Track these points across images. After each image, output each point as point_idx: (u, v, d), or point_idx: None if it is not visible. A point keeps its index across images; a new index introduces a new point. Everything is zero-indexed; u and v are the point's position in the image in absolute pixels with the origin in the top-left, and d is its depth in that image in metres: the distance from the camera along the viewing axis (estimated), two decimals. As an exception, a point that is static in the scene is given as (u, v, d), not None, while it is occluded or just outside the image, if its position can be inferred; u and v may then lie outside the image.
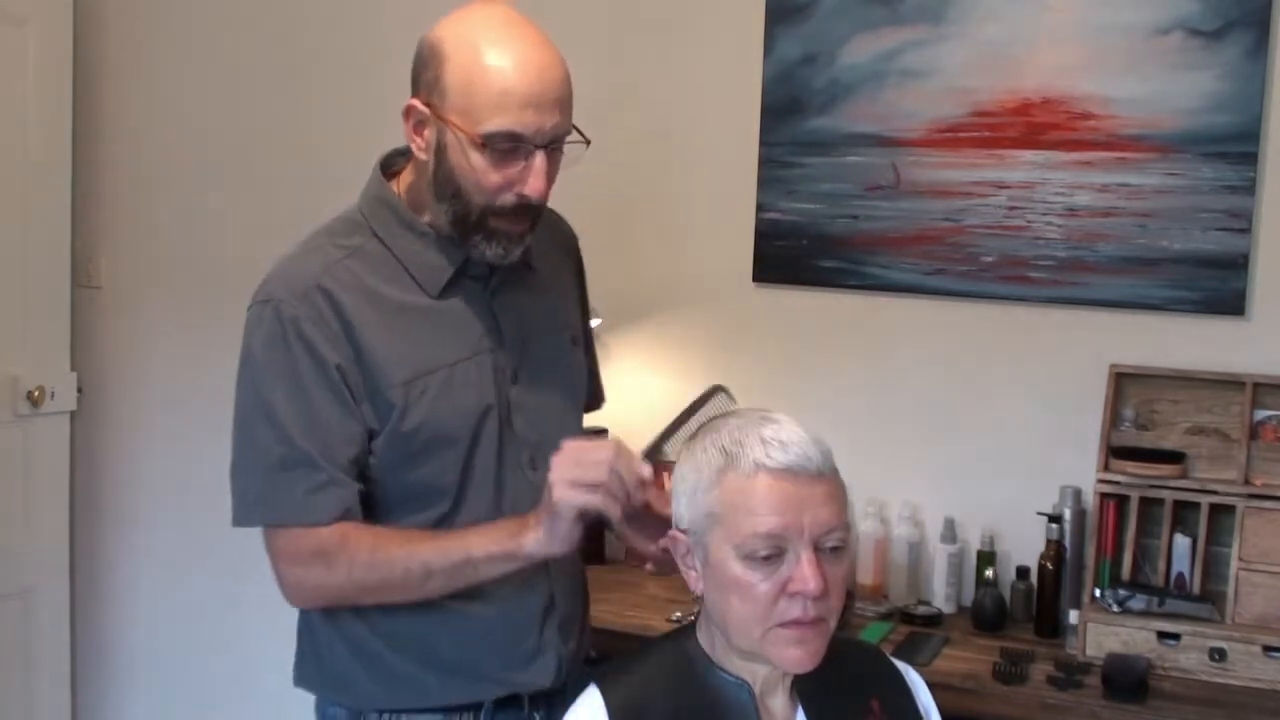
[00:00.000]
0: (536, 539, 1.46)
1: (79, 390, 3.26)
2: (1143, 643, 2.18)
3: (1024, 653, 2.24)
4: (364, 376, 1.53)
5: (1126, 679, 2.08)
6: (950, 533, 2.51)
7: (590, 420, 1.89)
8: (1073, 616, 2.26)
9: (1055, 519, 2.39)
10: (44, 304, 3.16)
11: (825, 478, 1.35)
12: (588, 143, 1.56)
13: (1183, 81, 2.34)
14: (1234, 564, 2.20)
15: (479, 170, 1.50)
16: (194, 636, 3.25)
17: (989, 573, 2.43)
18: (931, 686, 1.54)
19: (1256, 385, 2.30)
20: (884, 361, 2.61)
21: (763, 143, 2.65)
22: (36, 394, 3.12)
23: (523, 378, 1.64)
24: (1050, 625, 2.35)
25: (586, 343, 1.85)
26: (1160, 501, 2.29)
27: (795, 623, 1.32)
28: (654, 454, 1.49)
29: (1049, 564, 2.37)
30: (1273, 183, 2.32)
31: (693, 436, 1.43)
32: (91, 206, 3.27)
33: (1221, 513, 2.26)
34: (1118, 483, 2.30)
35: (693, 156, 2.74)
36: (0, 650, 3.10)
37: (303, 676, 1.70)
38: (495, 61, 1.47)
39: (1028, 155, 2.45)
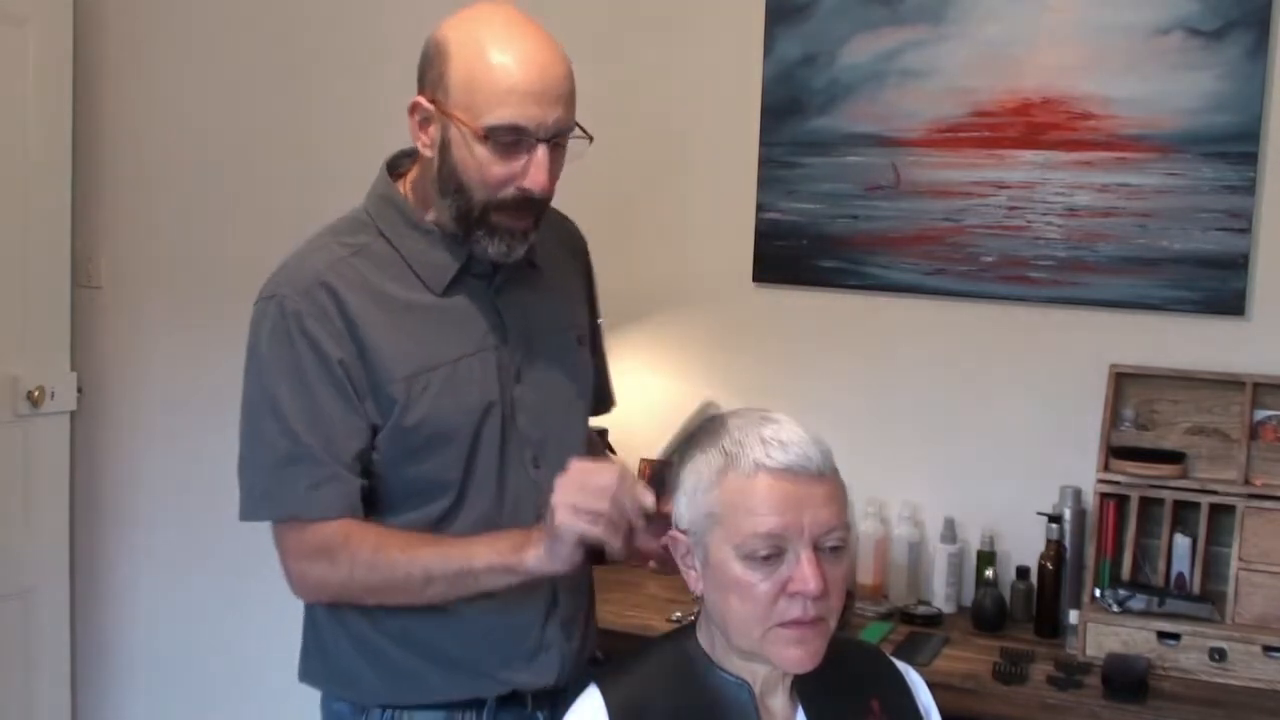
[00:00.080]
0: (538, 556, 1.46)
1: (79, 390, 3.26)
2: (1143, 643, 2.18)
3: (1024, 653, 2.24)
4: (367, 372, 1.54)
5: (1126, 679, 2.08)
6: (950, 533, 2.51)
7: (592, 422, 1.89)
8: (1073, 616, 2.26)
9: (1055, 519, 2.39)
10: (44, 304, 3.16)
11: (825, 478, 1.35)
12: (590, 139, 1.58)
13: (1183, 81, 2.34)
14: (1234, 564, 2.20)
15: (482, 164, 1.51)
16: (194, 636, 3.25)
17: (989, 573, 2.43)
18: (931, 686, 1.54)
19: (1256, 385, 2.30)
20: (884, 361, 2.61)
21: (763, 143, 2.64)
22: (36, 394, 3.12)
23: (526, 376, 1.64)
24: (1050, 625, 2.35)
25: (596, 345, 1.85)
26: (1160, 501, 2.29)
27: (795, 623, 1.32)
28: (657, 479, 1.47)
29: (1049, 564, 2.37)
30: (1273, 183, 2.32)
31: (693, 436, 1.43)
32: (91, 206, 3.27)
33: (1221, 513, 2.26)
34: (1118, 483, 2.30)
35: (693, 156, 2.74)
36: (0, 650, 3.10)
37: (307, 672, 1.71)
38: (498, 57, 1.49)
39: (1028, 155, 2.45)
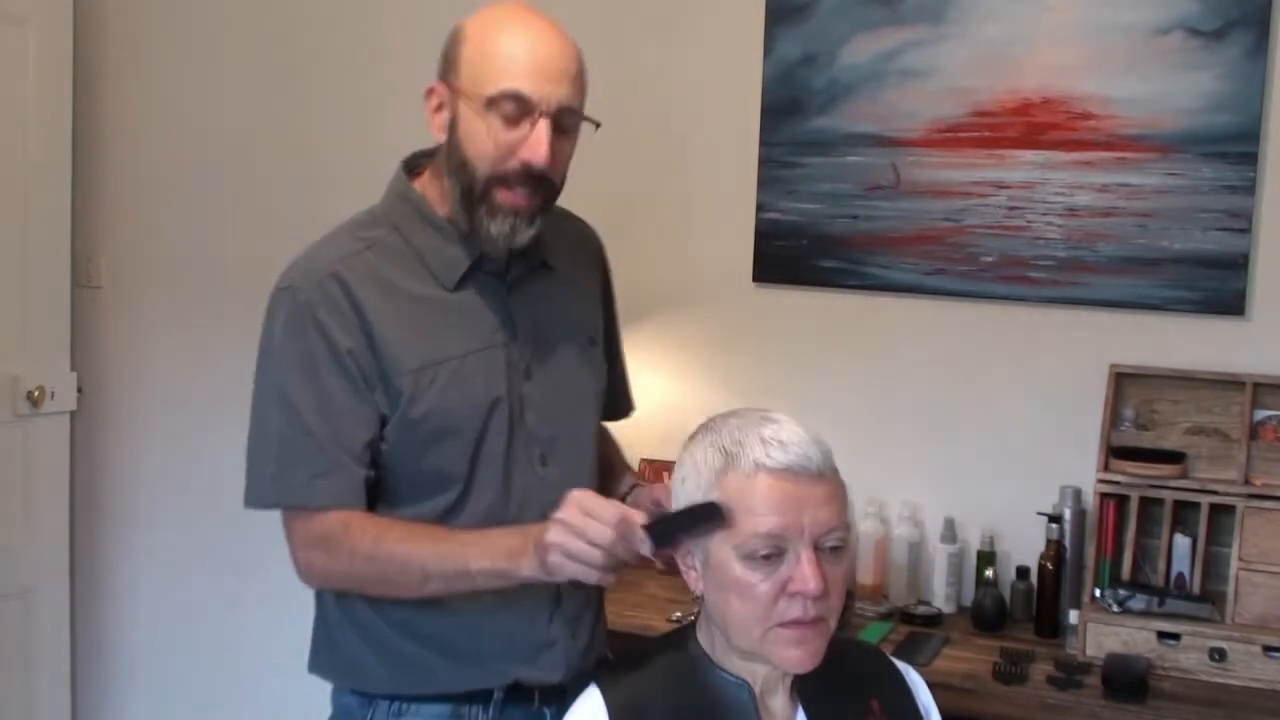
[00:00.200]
0: (532, 567, 1.46)
1: (79, 390, 3.26)
2: (1143, 643, 2.18)
3: (1024, 653, 2.24)
4: (376, 362, 1.56)
5: (1126, 679, 2.08)
6: (950, 533, 2.51)
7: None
8: (1073, 616, 2.26)
9: (1055, 519, 2.39)
10: (44, 304, 3.16)
11: (825, 477, 1.35)
12: (597, 125, 1.60)
13: (1183, 81, 2.34)
14: (1234, 564, 2.20)
15: (484, 135, 1.53)
16: (194, 636, 3.25)
17: (989, 573, 2.43)
18: (931, 686, 1.55)
19: (1256, 385, 2.30)
20: (884, 361, 2.61)
21: (763, 143, 2.65)
22: (36, 394, 3.12)
23: (536, 374, 1.65)
24: (1050, 625, 2.35)
25: (613, 349, 1.87)
26: (1160, 501, 2.29)
27: (795, 623, 1.32)
28: (657, 529, 1.42)
29: (1049, 564, 2.37)
30: (1273, 183, 2.32)
31: (692, 437, 1.43)
32: (91, 206, 3.27)
33: (1221, 513, 2.26)
34: (1118, 483, 2.30)
35: (693, 156, 2.74)
36: (0, 650, 3.10)
37: (316, 663, 1.72)
38: (508, 36, 1.54)
39: (1028, 155, 2.45)
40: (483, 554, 1.50)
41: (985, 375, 2.54)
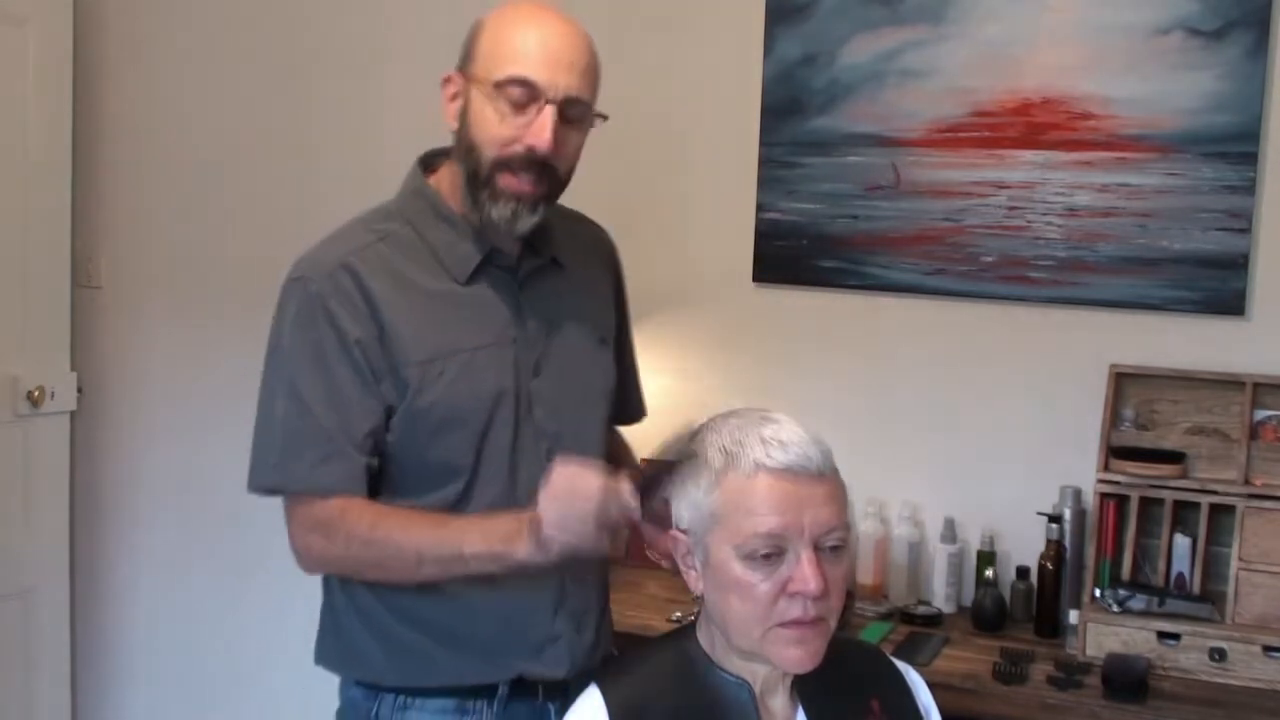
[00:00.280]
0: (527, 550, 1.48)
1: (79, 390, 3.26)
2: (1143, 643, 2.18)
3: (1024, 653, 2.24)
4: (385, 353, 1.57)
5: (1126, 679, 2.08)
6: (950, 533, 2.51)
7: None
8: (1073, 616, 2.26)
9: (1055, 519, 2.39)
10: (44, 304, 3.16)
11: (825, 477, 1.35)
12: (605, 118, 1.63)
13: (1183, 81, 2.34)
14: (1234, 564, 2.20)
15: (492, 119, 1.56)
16: (194, 636, 3.24)
17: (989, 573, 2.43)
18: (931, 686, 1.54)
19: (1256, 385, 2.30)
20: (884, 361, 2.61)
21: (763, 143, 2.65)
22: (36, 394, 3.11)
23: (545, 370, 1.67)
24: (1050, 625, 2.35)
25: (625, 353, 1.88)
26: (1160, 501, 2.29)
27: (795, 622, 1.32)
28: (648, 481, 1.46)
29: (1049, 564, 2.37)
30: (1273, 183, 2.32)
31: (692, 437, 1.43)
32: (91, 206, 3.27)
33: (1221, 513, 2.26)
34: (1118, 483, 2.30)
35: (693, 156, 2.74)
36: (0, 650, 3.09)
37: (322, 653, 1.74)
38: (523, 26, 1.58)
39: (1028, 155, 2.45)
40: (477, 537, 1.52)
41: (985, 375, 2.54)
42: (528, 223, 1.60)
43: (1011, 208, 2.47)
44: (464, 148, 1.60)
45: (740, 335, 2.72)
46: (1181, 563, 2.29)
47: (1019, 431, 2.51)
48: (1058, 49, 2.42)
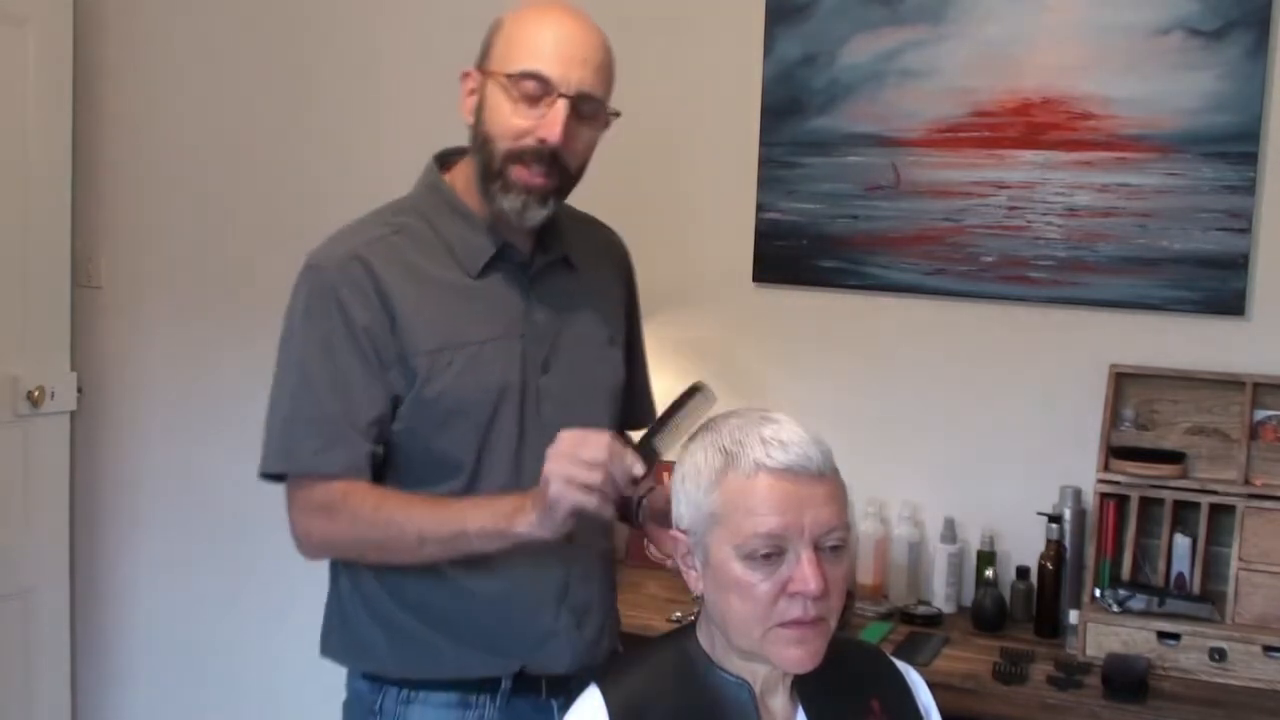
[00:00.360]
0: (529, 523, 1.50)
1: (79, 390, 3.26)
2: (1143, 643, 2.18)
3: (1024, 653, 2.24)
4: (395, 342, 1.60)
5: (1126, 679, 2.08)
6: (950, 533, 2.51)
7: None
8: (1073, 616, 2.26)
9: (1055, 519, 2.39)
10: (44, 304, 3.16)
11: (825, 477, 1.35)
12: (617, 114, 1.66)
13: (1183, 81, 2.34)
14: (1234, 564, 2.20)
15: (504, 112, 1.59)
16: (194, 636, 3.25)
17: (989, 573, 2.43)
18: (931, 686, 1.54)
19: (1256, 385, 2.30)
20: (884, 361, 2.61)
21: (763, 143, 2.65)
22: (36, 394, 3.11)
23: (554, 367, 1.69)
24: (1050, 625, 2.35)
25: (636, 359, 1.91)
26: (1160, 501, 2.29)
27: (795, 622, 1.32)
28: (645, 449, 1.51)
29: (1049, 564, 2.37)
30: (1273, 183, 2.32)
31: (692, 437, 1.43)
32: (91, 206, 3.27)
33: (1221, 513, 2.26)
34: (1118, 483, 2.30)
35: (693, 156, 2.74)
36: (0, 650, 3.10)
37: (328, 645, 1.76)
38: (539, 23, 1.62)
39: (1028, 155, 2.45)
40: (480, 515, 1.54)
41: (985, 375, 2.54)
42: (538, 215, 1.63)
43: (1011, 208, 2.47)
44: (479, 141, 1.63)
45: (740, 335, 2.72)
46: (1181, 563, 2.29)
47: (1019, 431, 2.51)
48: (1058, 49, 2.42)
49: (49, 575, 3.22)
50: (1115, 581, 2.29)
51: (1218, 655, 2.14)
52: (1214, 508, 2.26)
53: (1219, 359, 2.36)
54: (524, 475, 1.63)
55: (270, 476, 1.66)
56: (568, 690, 1.63)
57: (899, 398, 2.60)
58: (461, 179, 1.69)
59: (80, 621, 3.33)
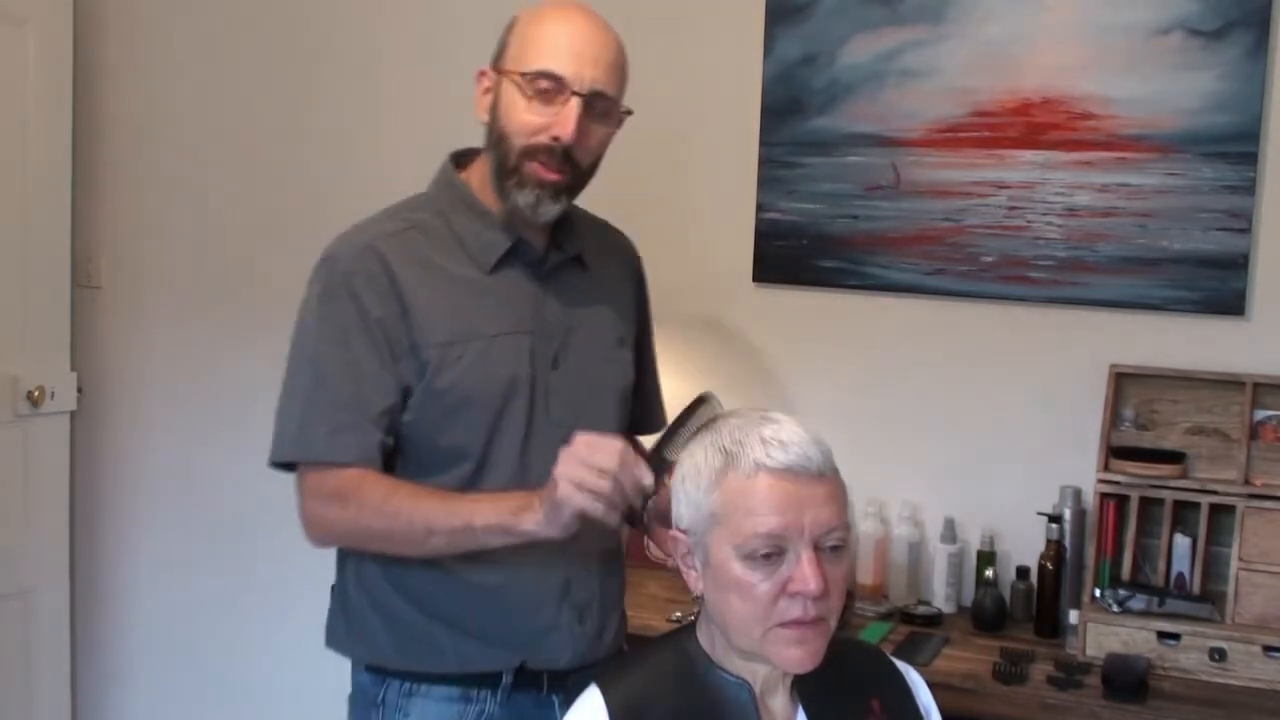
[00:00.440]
0: (535, 520, 1.51)
1: (79, 390, 3.25)
2: (1143, 643, 2.18)
3: (1024, 653, 2.24)
4: (407, 333, 1.63)
5: (1126, 679, 2.08)
6: (950, 533, 2.51)
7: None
8: (1073, 616, 2.26)
9: (1055, 519, 2.39)
10: (44, 304, 3.15)
11: (826, 477, 1.35)
12: (629, 112, 1.71)
13: (1183, 81, 2.34)
14: (1234, 564, 2.20)
15: (520, 110, 1.63)
16: (194, 636, 3.24)
17: (989, 573, 2.43)
18: (931, 686, 1.54)
19: (1256, 385, 2.30)
20: (884, 361, 2.61)
21: (763, 143, 2.65)
22: (36, 394, 3.11)
23: (563, 364, 1.71)
24: (1050, 625, 2.35)
25: (646, 364, 1.93)
26: (1160, 501, 2.29)
27: (795, 622, 1.32)
28: (655, 460, 1.52)
29: (1049, 564, 2.37)
30: (1273, 183, 2.32)
31: (693, 437, 1.44)
32: (91, 206, 3.27)
33: (1221, 513, 2.26)
34: (1118, 483, 2.30)
35: (693, 156, 2.74)
36: (0, 650, 3.09)
37: (333, 637, 1.78)
38: (552, 23, 1.65)
39: (1028, 155, 2.45)
40: (488, 510, 1.56)
41: (985, 375, 2.54)
42: (551, 210, 1.66)
43: (1011, 208, 2.47)
44: (494, 138, 1.66)
45: (740, 335, 2.72)
46: (1181, 563, 2.29)
47: (1019, 431, 2.51)
48: (1058, 49, 2.42)
49: (49, 575, 3.22)
50: (1115, 581, 2.29)
51: (1218, 655, 2.14)
52: (1214, 508, 2.26)
53: (1219, 359, 2.36)
54: (530, 470, 1.65)
55: (280, 465, 1.68)
56: (569, 685, 1.64)
57: (899, 398, 2.60)
58: (477, 177, 1.72)
59: (80, 621, 3.33)
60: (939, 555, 2.52)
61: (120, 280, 3.28)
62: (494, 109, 1.66)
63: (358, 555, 1.71)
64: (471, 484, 1.65)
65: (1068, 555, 2.38)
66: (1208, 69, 2.32)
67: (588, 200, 1.82)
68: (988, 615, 2.38)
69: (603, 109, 1.65)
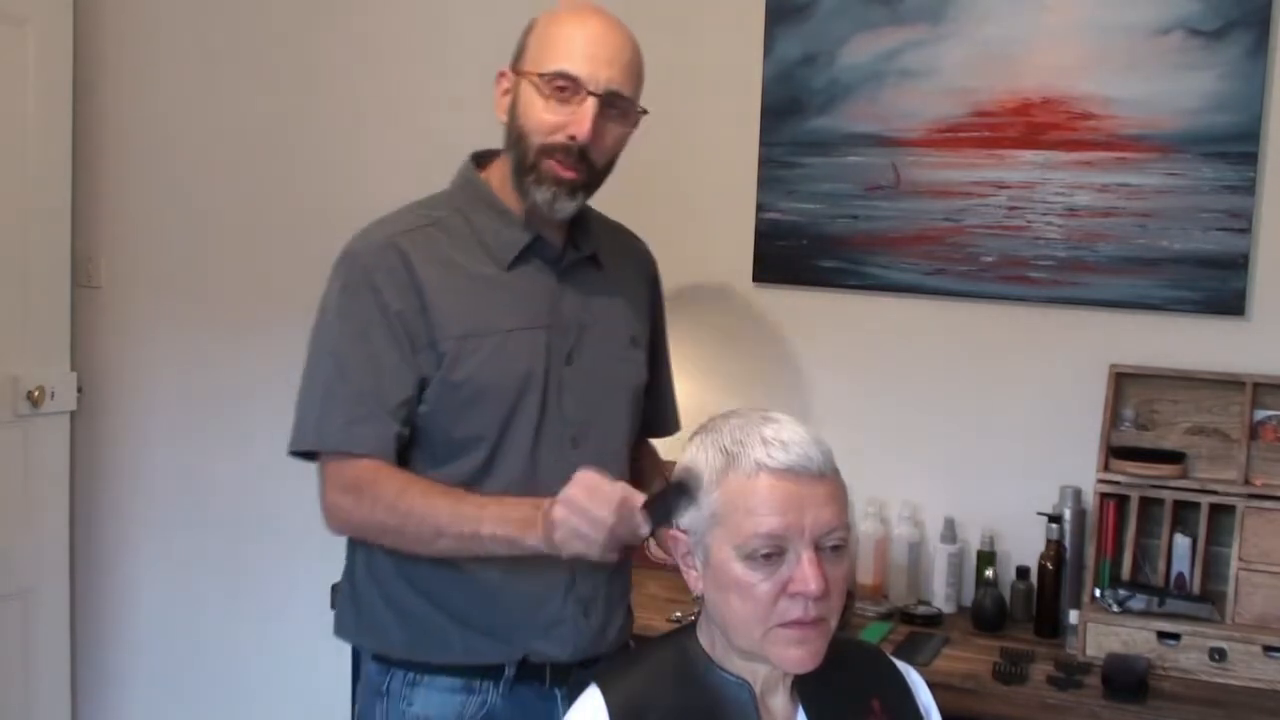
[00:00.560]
0: (538, 539, 1.54)
1: (79, 390, 3.26)
2: (1143, 643, 2.18)
3: (1024, 653, 2.24)
4: (425, 325, 1.67)
5: (1126, 679, 2.08)
6: (950, 533, 2.51)
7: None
8: (1073, 616, 2.26)
9: (1055, 519, 2.39)
10: (44, 304, 3.16)
11: (826, 478, 1.35)
12: (645, 111, 1.75)
13: (1183, 81, 2.34)
14: (1234, 564, 2.20)
15: (537, 109, 1.67)
16: (194, 636, 3.24)
17: (989, 573, 2.43)
18: (931, 686, 1.54)
19: (1256, 385, 2.30)
20: (884, 361, 2.61)
21: (763, 143, 2.65)
22: (36, 394, 3.11)
23: (577, 360, 1.75)
24: (1050, 625, 2.35)
25: (659, 366, 1.96)
26: (1160, 501, 2.29)
27: (796, 623, 1.32)
28: (656, 509, 1.48)
29: (1049, 564, 2.37)
30: (1273, 183, 2.32)
31: (693, 437, 1.43)
32: (91, 206, 3.27)
33: (1221, 513, 2.26)
34: (1118, 483, 2.30)
35: (693, 157, 2.74)
36: (0, 650, 3.09)
37: (342, 626, 1.82)
38: (569, 24, 1.70)
39: (1028, 155, 2.45)
40: (495, 520, 1.58)
41: (985, 375, 2.54)
42: (567, 207, 1.70)
43: (1011, 208, 2.47)
44: (513, 136, 1.71)
45: (740, 335, 2.72)
46: (1181, 563, 2.29)
47: (1019, 431, 2.51)
48: (1058, 49, 2.42)
49: (49, 575, 3.22)
50: (1115, 581, 2.29)
51: (1218, 655, 2.14)
52: (1214, 508, 2.26)
53: (1219, 359, 2.36)
54: (539, 464, 1.69)
55: (300, 455, 1.71)
56: (572, 680, 1.66)
57: (899, 398, 2.60)
58: (496, 176, 1.76)
59: (80, 621, 3.33)
60: (939, 555, 2.52)
61: (120, 280, 3.28)
62: (513, 109, 1.71)
63: (368, 546, 1.74)
64: (483, 473, 1.68)
65: (1068, 555, 2.38)
66: (1208, 69, 2.32)
67: (592, 200, 1.83)
68: (988, 615, 2.38)
69: (619, 109, 1.70)
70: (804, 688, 1.41)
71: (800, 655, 1.33)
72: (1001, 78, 2.46)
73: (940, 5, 2.49)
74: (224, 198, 3.16)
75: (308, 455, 1.71)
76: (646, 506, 1.48)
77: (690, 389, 2.69)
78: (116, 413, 3.30)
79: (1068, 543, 2.38)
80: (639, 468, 1.89)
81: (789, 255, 2.64)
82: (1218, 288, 2.35)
